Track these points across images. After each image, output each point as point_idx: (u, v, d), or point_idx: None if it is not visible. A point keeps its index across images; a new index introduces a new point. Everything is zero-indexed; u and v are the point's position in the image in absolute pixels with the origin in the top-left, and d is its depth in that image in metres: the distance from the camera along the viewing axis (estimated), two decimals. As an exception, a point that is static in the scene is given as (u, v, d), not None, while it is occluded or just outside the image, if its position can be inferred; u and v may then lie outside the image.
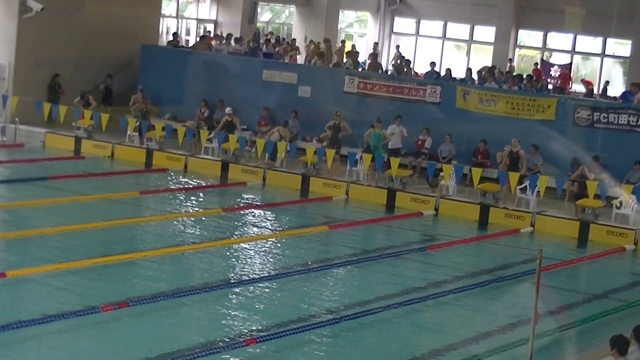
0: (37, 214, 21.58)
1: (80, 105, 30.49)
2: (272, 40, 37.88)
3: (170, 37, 39.69)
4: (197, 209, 24.06)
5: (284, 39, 40.75)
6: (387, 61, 43.73)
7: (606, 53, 41.67)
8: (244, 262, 19.49)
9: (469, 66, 38.04)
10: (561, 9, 40.80)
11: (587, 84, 37.68)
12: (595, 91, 36.92)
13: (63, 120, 29.65)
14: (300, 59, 36.20)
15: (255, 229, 22.61)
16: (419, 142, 28.20)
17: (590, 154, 26.16)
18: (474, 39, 44.55)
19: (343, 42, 40.06)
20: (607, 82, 38.02)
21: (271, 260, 19.88)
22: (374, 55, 36.04)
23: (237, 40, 35.27)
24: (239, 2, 39.75)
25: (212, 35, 38.16)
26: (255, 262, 19.44)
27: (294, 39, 38.41)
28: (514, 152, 26.42)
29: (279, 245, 21.18)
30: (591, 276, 21.35)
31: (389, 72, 36.86)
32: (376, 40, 44.53)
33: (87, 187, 25.16)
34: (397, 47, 43.87)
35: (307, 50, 36.90)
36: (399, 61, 38.81)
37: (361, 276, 19.21)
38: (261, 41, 37.05)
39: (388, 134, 27.94)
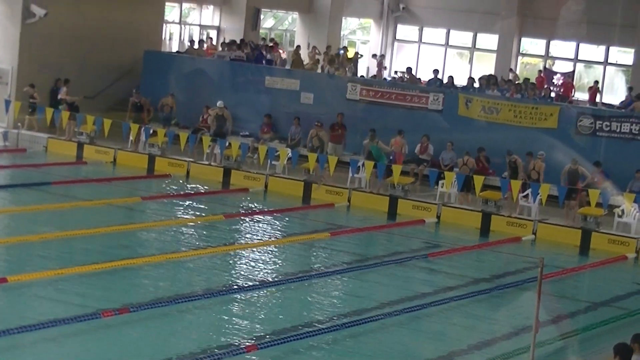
0: (38, 219, 21.60)
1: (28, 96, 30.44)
2: (274, 47, 37.87)
3: (174, 43, 39.79)
4: (198, 215, 24.04)
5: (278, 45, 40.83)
6: (389, 69, 43.71)
7: (609, 61, 41.63)
8: (245, 268, 19.47)
9: (472, 74, 38.04)
10: (564, 17, 40.78)
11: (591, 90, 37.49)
12: (597, 99, 36.80)
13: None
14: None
15: (256, 236, 22.59)
16: (422, 148, 28.23)
17: (592, 162, 26.17)
18: (476, 46, 44.53)
19: (345, 48, 40.05)
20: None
21: (272, 266, 19.87)
22: (382, 66, 36.15)
23: (238, 45, 35.25)
24: (242, 9, 39.76)
25: (204, 40, 38.17)
26: (257, 269, 19.42)
27: (298, 46, 38.43)
28: (512, 161, 26.45)
29: (280, 251, 21.17)
30: (593, 284, 21.32)
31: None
32: (379, 48, 44.53)
33: (89, 192, 25.16)
34: (381, 56, 43.50)
35: (309, 56, 36.89)
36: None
37: (362, 283, 19.19)
38: (260, 45, 36.99)
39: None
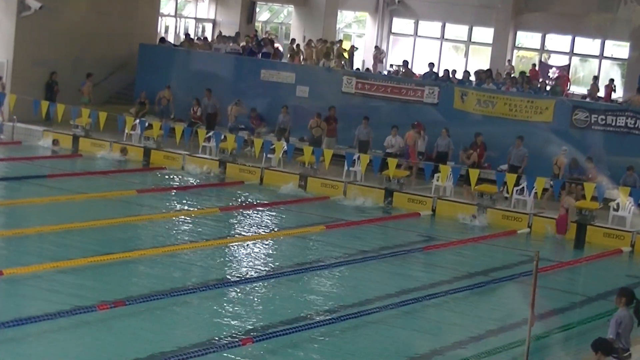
0: (34, 212, 21.59)
1: None
2: (274, 41, 37.88)
3: (170, 36, 39.75)
4: (194, 208, 24.03)
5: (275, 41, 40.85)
6: (385, 62, 43.69)
7: (605, 55, 41.65)
8: (241, 261, 19.49)
9: (467, 68, 38.03)
10: (559, 11, 40.83)
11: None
12: (613, 96, 36.47)
13: (61, 119, 29.66)
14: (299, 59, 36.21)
15: (252, 229, 22.60)
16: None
17: (588, 155, 26.22)
18: (472, 40, 44.54)
19: (340, 41, 40.05)
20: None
21: (268, 259, 19.89)
22: (378, 59, 36.17)
23: (234, 39, 35.22)
24: (238, 2, 39.76)
25: (195, 35, 38.20)
26: (252, 262, 19.44)
27: (293, 39, 38.41)
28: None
29: (276, 244, 21.19)
30: (588, 278, 21.35)
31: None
32: (375, 42, 44.53)
33: (84, 185, 25.14)
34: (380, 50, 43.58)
35: (305, 50, 36.90)
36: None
37: (358, 276, 19.20)
38: (261, 42, 37.01)
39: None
